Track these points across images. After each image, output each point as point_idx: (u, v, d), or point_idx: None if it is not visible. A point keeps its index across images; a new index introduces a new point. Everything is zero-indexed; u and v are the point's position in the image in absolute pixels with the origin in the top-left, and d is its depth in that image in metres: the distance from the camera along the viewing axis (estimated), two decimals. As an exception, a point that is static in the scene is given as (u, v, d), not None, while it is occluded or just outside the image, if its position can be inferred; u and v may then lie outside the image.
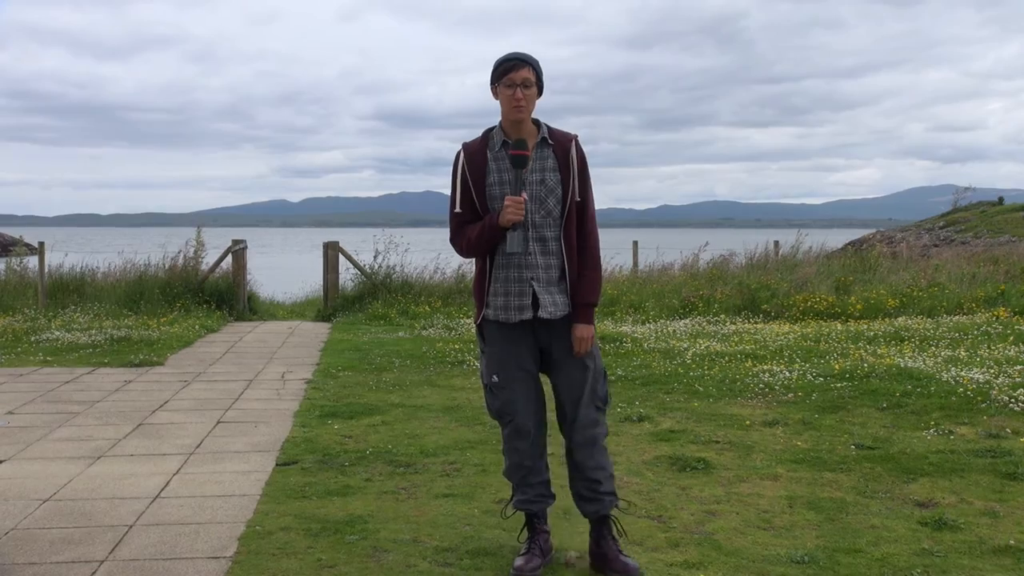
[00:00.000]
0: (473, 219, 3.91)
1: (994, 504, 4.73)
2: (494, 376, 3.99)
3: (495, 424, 6.77)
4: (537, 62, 3.88)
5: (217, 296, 15.13)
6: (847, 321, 12.90)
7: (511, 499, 4.17)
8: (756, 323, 13.13)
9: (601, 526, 3.99)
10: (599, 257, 4.00)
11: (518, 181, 3.79)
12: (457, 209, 3.93)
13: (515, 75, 3.79)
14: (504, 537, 4.32)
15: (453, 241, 4.01)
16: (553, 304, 3.88)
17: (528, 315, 3.87)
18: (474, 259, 4.06)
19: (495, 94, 3.86)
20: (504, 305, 3.91)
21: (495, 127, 3.95)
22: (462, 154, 3.93)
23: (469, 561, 4.03)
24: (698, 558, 4.04)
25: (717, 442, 6.13)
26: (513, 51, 3.89)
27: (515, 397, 3.95)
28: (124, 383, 8.76)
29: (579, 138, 3.94)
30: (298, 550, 4.16)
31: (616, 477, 5.27)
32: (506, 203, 3.75)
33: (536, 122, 3.93)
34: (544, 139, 3.89)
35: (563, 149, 3.88)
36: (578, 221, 3.91)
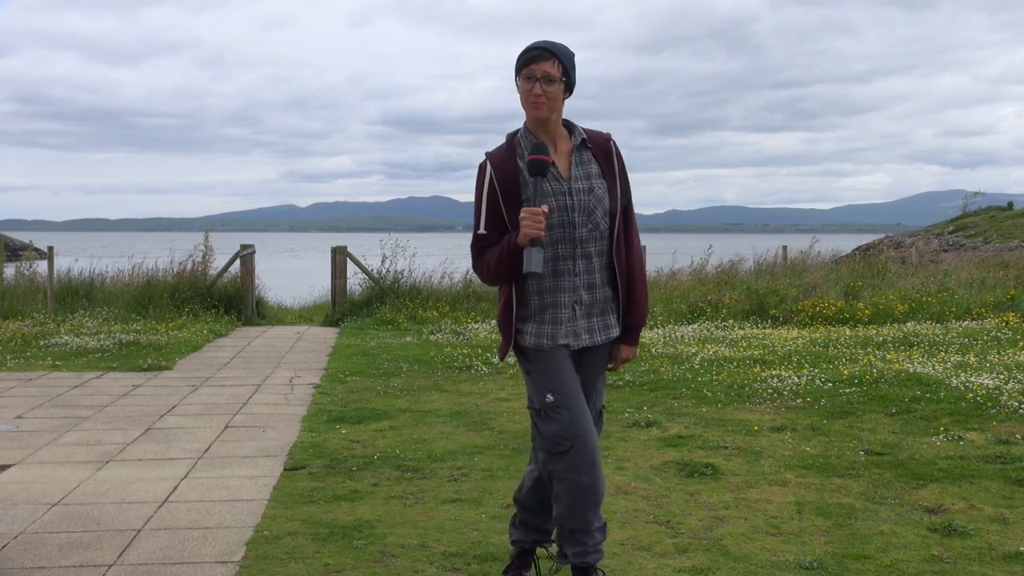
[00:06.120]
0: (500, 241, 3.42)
1: (1004, 511, 4.70)
2: (548, 395, 3.37)
3: (503, 429, 6.78)
4: (569, 55, 3.36)
5: (225, 301, 15.17)
6: (856, 326, 12.86)
7: (559, 553, 3.54)
8: (764, 328, 13.11)
9: (525, 557, 3.76)
10: (645, 271, 3.61)
11: (537, 191, 3.31)
12: (482, 230, 3.43)
13: (535, 67, 3.30)
14: (512, 542, 4.31)
15: (476, 267, 3.51)
16: (591, 331, 3.48)
17: (575, 343, 3.44)
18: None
19: (518, 89, 3.39)
20: (552, 334, 3.43)
21: (519, 130, 3.48)
22: (488, 166, 3.42)
23: (477, 566, 4.02)
24: (707, 564, 4.02)
25: (725, 448, 6.12)
26: (542, 39, 3.38)
27: (577, 416, 3.35)
28: (133, 388, 8.78)
29: (613, 136, 3.53)
30: (306, 555, 4.16)
31: (624, 482, 5.28)
32: (522, 216, 3.26)
33: (568, 124, 3.49)
34: (584, 141, 3.45)
35: (604, 151, 3.47)
36: (625, 232, 3.51)
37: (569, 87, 3.40)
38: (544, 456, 3.44)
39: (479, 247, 3.46)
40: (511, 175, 3.38)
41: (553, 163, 3.38)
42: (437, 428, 6.87)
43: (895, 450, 5.92)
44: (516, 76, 3.38)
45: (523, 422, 7.02)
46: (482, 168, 3.44)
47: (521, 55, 3.34)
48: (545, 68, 3.30)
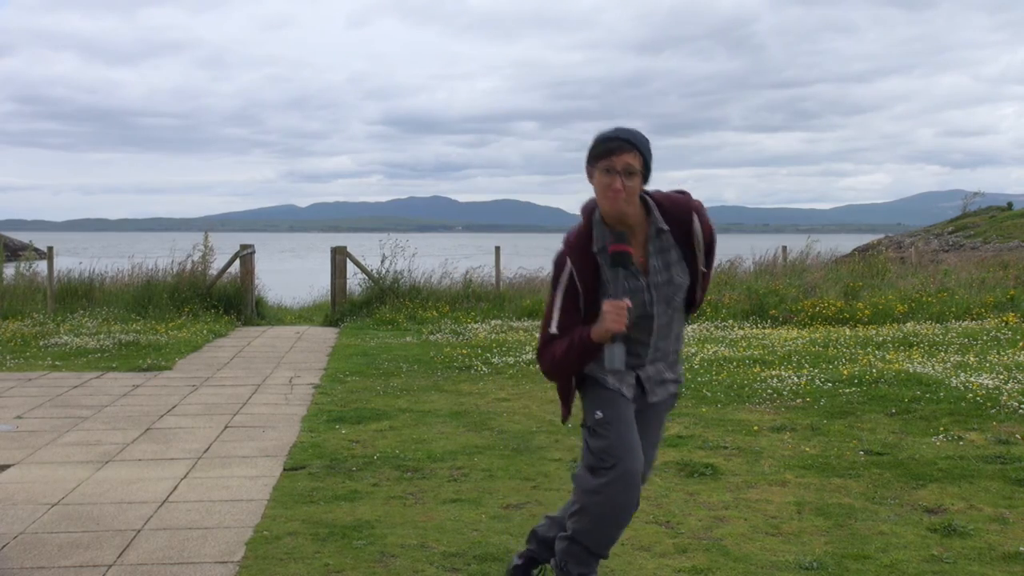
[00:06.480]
0: None
1: (1004, 511, 4.71)
2: (597, 412, 3.30)
3: (503, 429, 6.78)
4: (645, 142, 3.16)
5: (225, 301, 15.18)
6: (855, 326, 12.86)
7: (555, 564, 3.46)
8: (764, 328, 13.11)
9: (533, 565, 3.75)
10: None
11: (618, 283, 3.17)
12: (553, 330, 3.26)
13: (616, 160, 3.10)
14: (512, 543, 4.31)
15: (540, 358, 3.35)
16: (663, 383, 3.41)
17: (631, 394, 3.34)
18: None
19: (589, 176, 3.19)
20: (608, 372, 3.30)
21: (595, 210, 3.23)
22: (569, 261, 3.23)
23: (477, 567, 4.02)
24: (706, 564, 4.03)
25: (725, 448, 6.12)
26: (616, 127, 3.18)
27: (624, 437, 3.27)
28: (132, 388, 8.78)
29: (697, 204, 3.27)
30: (305, 555, 4.16)
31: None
32: (605, 310, 3.11)
33: (643, 200, 3.23)
34: (660, 229, 3.22)
35: (683, 230, 3.24)
36: (702, 290, 3.39)
37: (646, 177, 3.20)
38: (586, 473, 3.34)
39: (547, 340, 3.29)
40: (592, 271, 3.21)
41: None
42: (437, 428, 6.87)
43: (895, 450, 5.92)
44: (589, 164, 3.18)
45: (523, 422, 7.02)
46: (561, 262, 3.25)
47: (599, 144, 3.14)
48: (627, 160, 3.10)
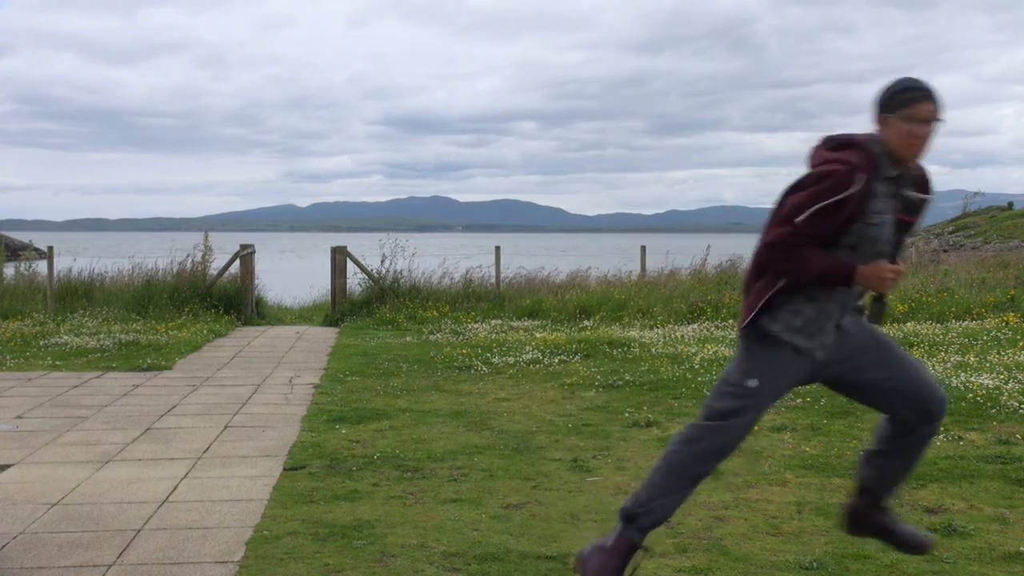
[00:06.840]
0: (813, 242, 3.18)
1: (1004, 511, 4.71)
2: (751, 381, 3.28)
3: (503, 429, 6.77)
4: (939, 93, 3.22)
5: (225, 301, 15.17)
6: (856, 326, 12.84)
7: (632, 516, 3.40)
8: (764, 328, 13.09)
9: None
10: None
11: (903, 251, 3.28)
12: (803, 219, 3.12)
13: (921, 108, 3.14)
14: (512, 542, 4.31)
15: (779, 249, 3.18)
16: (847, 316, 3.36)
17: (823, 354, 3.30)
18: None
19: (880, 123, 3.20)
20: (802, 330, 3.27)
21: (875, 140, 3.21)
22: (860, 180, 3.10)
23: (477, 566, 4.02)
24: (706, 564, 4.03)
25: (725, 447, 6.11)
26: (907, 77, 3.22)
27: (753, 413, 3.31)
28: (132, 387, 8.78)
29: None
30: (306, 555, 4.16)
31: (624, 482, 5.28)
32: (886, 272, 3.14)
33: None
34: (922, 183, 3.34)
35: (924, 187, 3.35)
36: None
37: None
38: (698, 421, 3.37)
39: (796, 233, 3.14)
40: (870, 193, 3.14)
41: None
42: (437, 428, 6.87)
43: (895, 450, 5.91)
44: (887, 112, 3.18)
45: (523, 422, 7.02)
46: (849, 178, 3.10)
47: (902, 92, 3.18)
48: (929, 109, 3.16)
